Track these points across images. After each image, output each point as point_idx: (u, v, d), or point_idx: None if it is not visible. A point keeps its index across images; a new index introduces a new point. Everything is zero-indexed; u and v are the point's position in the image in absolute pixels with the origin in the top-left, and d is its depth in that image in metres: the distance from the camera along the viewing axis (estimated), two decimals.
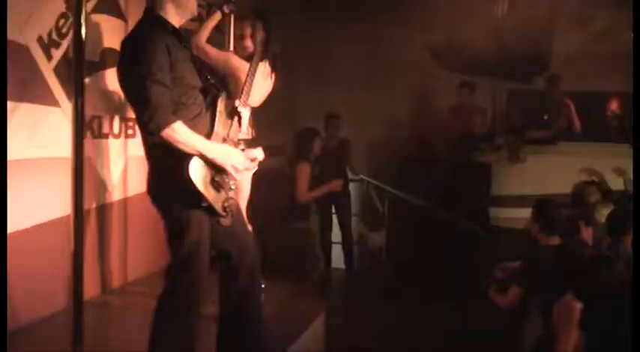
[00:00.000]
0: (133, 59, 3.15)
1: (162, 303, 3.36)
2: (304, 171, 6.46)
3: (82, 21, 3.39)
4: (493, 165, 7.27)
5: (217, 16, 4.66)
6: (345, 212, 7.37)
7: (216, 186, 3.27)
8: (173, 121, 3.10)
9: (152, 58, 3.10)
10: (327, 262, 7.37)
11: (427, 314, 6.15)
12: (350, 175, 7.49)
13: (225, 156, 3.29)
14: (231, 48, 4.77)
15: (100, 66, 4.99)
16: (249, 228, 3.86)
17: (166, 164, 3.21)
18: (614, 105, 7.73)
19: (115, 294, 5.26)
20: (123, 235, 5.36)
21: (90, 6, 4.82)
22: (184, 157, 3.14)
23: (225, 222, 3.38)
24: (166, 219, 3.33)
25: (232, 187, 3.39)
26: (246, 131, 4.27)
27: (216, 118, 3.36)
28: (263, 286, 4.86)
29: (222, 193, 3.32)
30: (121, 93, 5.08)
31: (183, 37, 3.37)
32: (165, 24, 3.29)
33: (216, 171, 3.27)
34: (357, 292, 7.07)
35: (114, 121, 5.18)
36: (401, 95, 8.04)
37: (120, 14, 5.22)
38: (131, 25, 5.20)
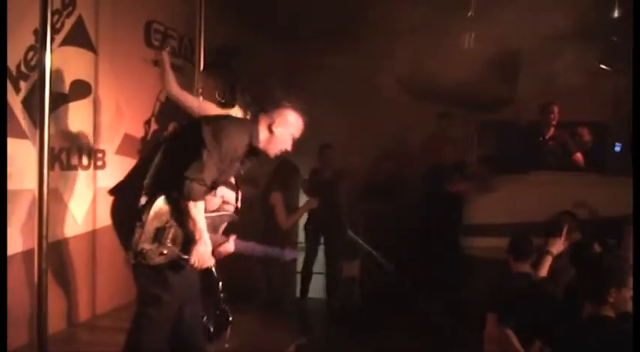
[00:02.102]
0: (219, 135, 3.47)
1: None
2: (278, 199, 6.57)
3: (48, 53, 3.39)
4: (465, 194, 7.31)
5: (166, 57, 4.71)
6: (334, 243, 7.40)
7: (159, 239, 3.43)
8: (202, 199, 3.45)
9: (229, 144, 3.48)
10: (304, 292, 7.37)
11: (400, 345, 6.12)
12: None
13: (202, 254, 3.54)
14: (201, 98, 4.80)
15: (69, 98, 4.99)
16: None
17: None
18: (582, 135, 7.81)
19: (82, 328, 5.20)
20: (91, 267, 5.31)
21: (59, 38, 4.84)
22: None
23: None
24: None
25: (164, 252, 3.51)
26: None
27: None
28: (230, 319, 4.86)
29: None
30: (91, 125, 5.13)
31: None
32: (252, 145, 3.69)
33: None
34: (330, 322, 7.04)
35: (83, 153, 5.16)
36: (374, 126, 8.08)
37: (90, 46, 5.24)
38: (101, 57, 5.28)
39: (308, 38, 7.49)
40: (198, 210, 3.46)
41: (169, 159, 3.49)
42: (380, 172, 8.15)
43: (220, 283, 4.84)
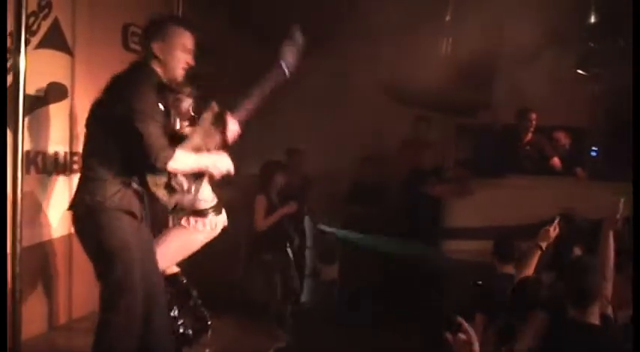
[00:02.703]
0: (120, 97, 3.57)
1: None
2: (261, 202, 6.64)
3: (22, 55, 3.37)
4: (443, 198, 7.34)
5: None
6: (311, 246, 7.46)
7: (171, 188, 3.71)
8: (173, 153, 3.54)
9: (139, 96, 3.53)
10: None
11: (380, 347, 6.14)
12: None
13: (216, 164, 3.83)
14: None
15: (45, 101, 4.94)
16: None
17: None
18: (559, 140, 7.88)
19: (60, 331, 5.16)
20: (68, 271, 5.27)
21: (35, 41, 4.80)
22: None
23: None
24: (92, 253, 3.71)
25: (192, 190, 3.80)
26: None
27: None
28: (209, 323, 4.85)
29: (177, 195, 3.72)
30: (67, 128, 5.09)
31: (167, 88, 3.81)
32: (153, 74, 3.74)
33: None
34: (310, 325, 7.04)
35: (59, 156, 5.12)
36: (353, 128, 8.10)
37: (67, 49, 5.20)
38: (78, 59, 5.25)
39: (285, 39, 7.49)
40: (180, 159, 3.59)
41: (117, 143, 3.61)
42: (357, 176, 8.16)
43: (194, 291, 4.85)
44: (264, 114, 7.71)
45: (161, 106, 3.67)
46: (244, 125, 4.14)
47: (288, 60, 4.08)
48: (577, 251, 4.98)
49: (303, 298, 7.46)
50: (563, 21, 7.09)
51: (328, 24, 6.64)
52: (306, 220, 7.65)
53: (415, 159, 7.64)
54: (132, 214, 3.68)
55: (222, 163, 3.89)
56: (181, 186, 3.76)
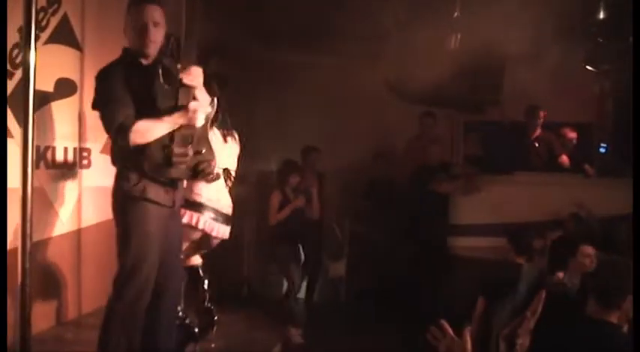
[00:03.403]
0: (98, 91, 3.69)
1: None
2: (275, 198, 6.77)
3: (32, 51, 3.37)
4: (451, 194, 7.33)
5: None
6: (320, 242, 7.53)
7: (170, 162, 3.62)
8: (132, 124, 3.49)
9: (110, 85, 3.59)
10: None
11: (385, 345, 6.14)
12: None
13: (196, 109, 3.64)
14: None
15: (54, 96, 4.96)
16: None
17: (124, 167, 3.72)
18: (568, 136, 7.86)
19: (69, 326, 5.18)
20: (77, 266, 5.29)
21: (45, 36, 4.82)
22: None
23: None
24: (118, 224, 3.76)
25: (200, 150, 3.71)
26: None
27: None
28: (215, 318, 4.87)
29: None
30: (76, 124, 5.12)
31: (148, 71, 3.74)
32: (130, 57, 3.76)
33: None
34: (317, 321, 7.05)
35: (68, 151, 5.13)
36: (361, 126, 8.09)
37: (76, 44, 5.22)
38: (87, 55, 5.26)
39: (294, 37, 7.50)
40: (141, 128, 3.53)
41: None
42: (367, 173, 8.16)
43: (206, 281, 4.86)
44: (277, 114, 7.85)
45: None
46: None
47: None
48: (588, 249, 4.98)
49: (311, 294, 7.47)
50: (571, 17, 7.07)
51: (337, 22, 6.65)
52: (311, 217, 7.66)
53: (423, 155, 7.62)
54: (158, 204, 3.70)
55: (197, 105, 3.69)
56: (181, 153, 3.61)
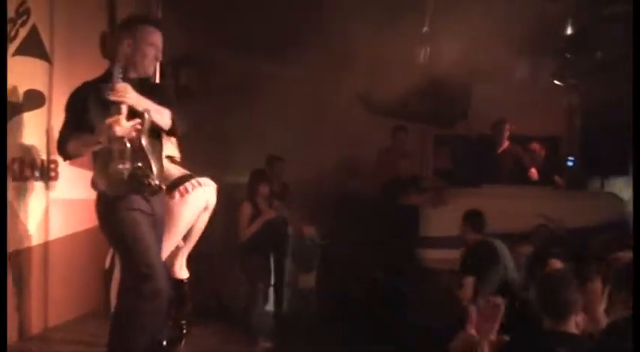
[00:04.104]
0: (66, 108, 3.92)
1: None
2: (245, 210, 6.71)
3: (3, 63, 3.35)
4: (420, 207, 7.38)
5: None
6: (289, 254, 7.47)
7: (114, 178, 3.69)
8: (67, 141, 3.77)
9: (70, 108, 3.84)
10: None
11: None
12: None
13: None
14: None
15: (22, 108, 4.92)
16: None
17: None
18: (536, 149, 7.96)
19: (34, 341, 5.11)
20: (43, 280, 5.23)
21: (13, 48, 4.78)
22: None
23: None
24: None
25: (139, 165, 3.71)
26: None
27: None
28: (184, 332, 4.84)
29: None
30: (44, 135, 5.08)
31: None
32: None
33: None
34: (287, 333, 7.03)
35: (36, 164, 5.09)
36: (331, 138, 8.13)
37: (45, 56, 5.18)
38: (56, 67, 5.23)
39: (264, 48, 7.53)
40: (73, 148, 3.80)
41: None
42: (336, 185, 8.19)
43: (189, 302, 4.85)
44: (246, 125, 7.85)
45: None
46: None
47: None
48: (557, 264, 5.04)
49: (281, 306, 7.45)
50: (539, 32, 7.18)
51: (307, 34, 6.68)
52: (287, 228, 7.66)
53: (393, 168, 7.68)
54: (143, 212, 3.79)
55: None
56: (121, 169, 3.66)
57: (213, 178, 4.75)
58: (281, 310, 7.42)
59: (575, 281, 3.50)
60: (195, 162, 4.94)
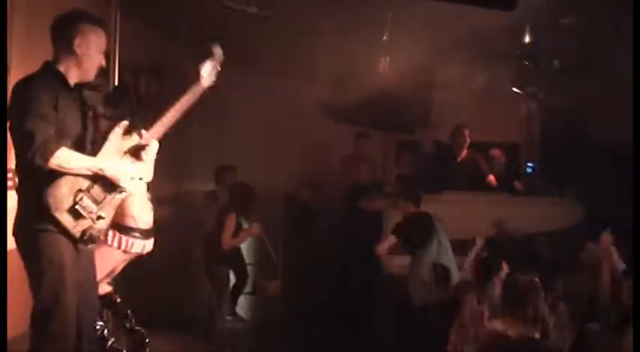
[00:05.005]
0: (18, 101, 3.39)
1: None
2: (231, 222, 6.70)
3: None
4: (384, 213, 7.43)
5: None
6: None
7: (75, 213, 3.39)
8: (56, 148, 3.30)
9: (35, 98, 3.35)
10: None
11: None
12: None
13: (117, 168, 3.53)
14: None
15: None
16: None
17: (31, 197, 3.41)
18: (495, 156, 8.07)
19: None
20: (6, 297, 5.13)
21: None
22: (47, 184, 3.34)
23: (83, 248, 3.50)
24: (26, 259, 3.48)
25: (102, 215, 3.48)
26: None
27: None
28: (147, 341, 4.81)
29: (84, 220, 3.43)
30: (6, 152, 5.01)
31: (74, 90, 3.60)
32: (56, 75, 3.53)
33: (89, 193, 3.45)
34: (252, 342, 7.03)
35: None
36: (293, 145, 8.17)
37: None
38: (13, 75, 5.16)
39: (226, 57, 7.51)
40: (65, 157, 3.35)
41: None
42: (298, 191, 8.21)
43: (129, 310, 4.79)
44: (208, 134, 7.82)
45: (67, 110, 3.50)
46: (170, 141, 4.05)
47: (208, 76, 3.96)
48: (505, 268, 5.12)
49: (245, 314, 7.44)
50: (497, 40, 7.29)
51: (265, 41, 6.70)
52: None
53: (355, 174, 7.74)
54: (68, 234, 3.45)
55: (124, 169, 3.58)
56: (88, 210, 3.43)
57: (173, 185, 4.73)
58: (245, 318, 7.42)
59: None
60: (156, 170, 4.89)
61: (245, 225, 6.91)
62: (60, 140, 3.38)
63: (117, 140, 3.65)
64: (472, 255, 5.47)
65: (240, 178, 7.49)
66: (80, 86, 3.66)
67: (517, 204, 7.40)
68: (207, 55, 3.98)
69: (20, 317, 5.13)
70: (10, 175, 5.16)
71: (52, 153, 3.30)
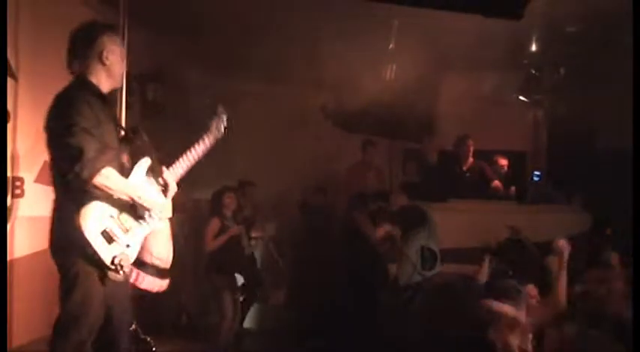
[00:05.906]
0: (60, 114, 3.40)
1: None
2: (214, 224, 6.71)
3: None
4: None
5: None
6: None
7: (108, 237, 3.37)
8: (103, 167, 3.31)
9: (78, 112, 3.36)
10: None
11: None
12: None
13: (153, 199, 3.57)
14: None
15: None
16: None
17: (67, 213, 3.35)
18: (500, 163, 8.07)
19: None
20: (8, 298, 5.15)
21: None
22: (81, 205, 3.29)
23: (116, 277, 3.44)
24: (60, 273, 3.44)
25: (130, 244, 3.46)
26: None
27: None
28: (154, 350, 4.81)
29: (115, 246, 3.39)
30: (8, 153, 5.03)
31: (108, 101, 3.66)
32: (91, 87, 3.57)
33: (118, 221, 3.43)
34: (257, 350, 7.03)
35: None
36: (299, 154, 8.16)
37: (10, 73, 5.14)
38: (21, 84, 5.19)
39: (232, 64, 7.55)
40: (109, 177, 3.34)
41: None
42: (306, 201, 8.21)
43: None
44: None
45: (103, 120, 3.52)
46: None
47: (216, 130, 4.09)
48: (533, 291, 5.08)
49: (251, 322, 7.44)
50: (505, 49, 7.29)
51: (275, 51, 6.71)
52: (257, 245, 7.67)
53: (362, 183, 7.73)
54: (98, 258, 3.40)
55: (157, 201, 3.63)
56: (118, 236, 3.41)
57: (182, 194, 4.71)
58: (251, 326, 7.42)
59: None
60: None
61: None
62: (102, 156, 3.37)
63: (141, 173, 3.65)
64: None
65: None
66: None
67: (524, 212, 7.38)
68: (213, 114, 4.14)
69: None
70: (17, 183, 5.22)
71: (99, 170, 3.31)
